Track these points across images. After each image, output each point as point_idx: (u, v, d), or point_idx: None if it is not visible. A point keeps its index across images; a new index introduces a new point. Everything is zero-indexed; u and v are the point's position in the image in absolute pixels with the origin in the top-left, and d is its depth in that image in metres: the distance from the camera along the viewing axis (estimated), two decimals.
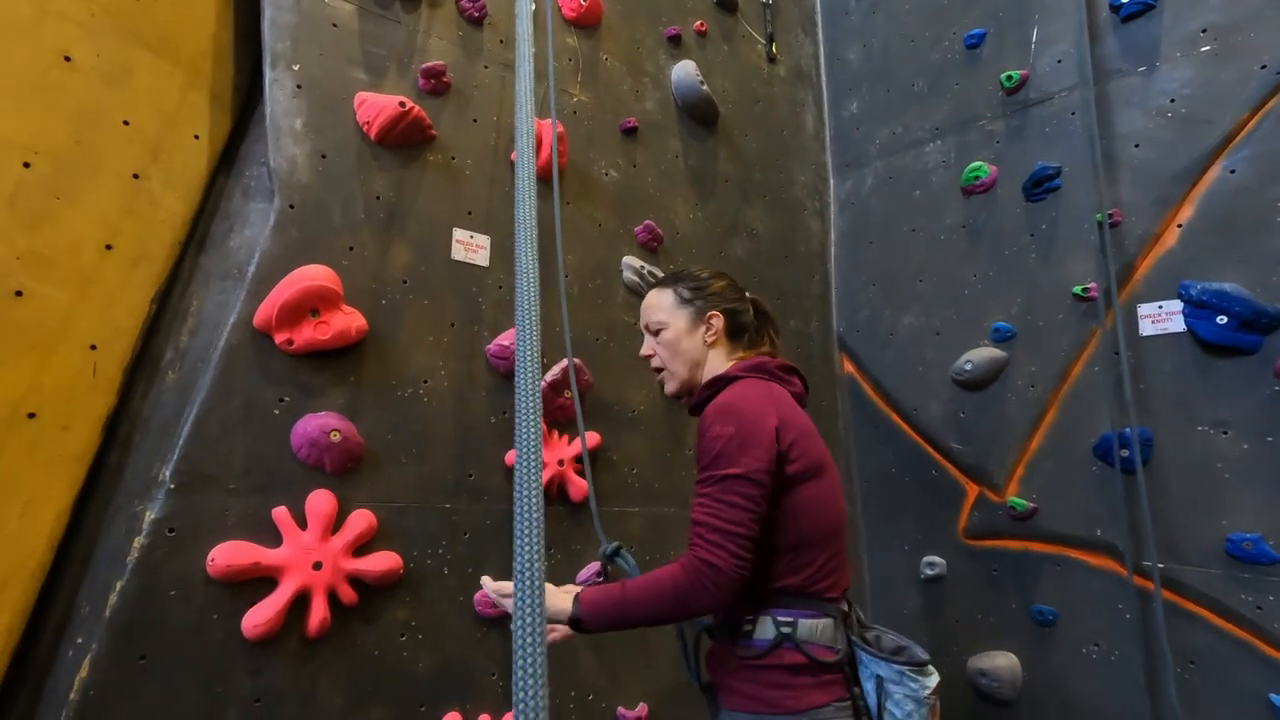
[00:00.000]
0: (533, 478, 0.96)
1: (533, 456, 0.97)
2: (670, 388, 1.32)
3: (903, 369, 2.26)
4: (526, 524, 0.92)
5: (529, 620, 0.86)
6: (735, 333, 1.32)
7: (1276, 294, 1.60)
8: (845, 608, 1.18)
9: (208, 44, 1.50)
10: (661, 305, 1.32)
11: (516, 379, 1.05)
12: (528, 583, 0.87)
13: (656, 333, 1.32)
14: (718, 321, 1.30)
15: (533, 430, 1.00)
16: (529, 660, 0.83)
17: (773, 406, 1.15)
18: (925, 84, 2.36)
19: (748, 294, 1.36)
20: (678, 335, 1.29)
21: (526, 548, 0.90)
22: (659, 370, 1.33)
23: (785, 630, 1.11)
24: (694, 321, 1.30)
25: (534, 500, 0.94)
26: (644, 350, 1.35)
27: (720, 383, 1.23)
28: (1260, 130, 1.67)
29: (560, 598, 1.09)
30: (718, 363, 1.29)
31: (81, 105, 1.28)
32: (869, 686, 1.11)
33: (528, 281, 1.14)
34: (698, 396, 1.26)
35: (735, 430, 1.10)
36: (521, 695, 0.81)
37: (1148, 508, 1.68)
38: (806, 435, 1.17)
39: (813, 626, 1.12)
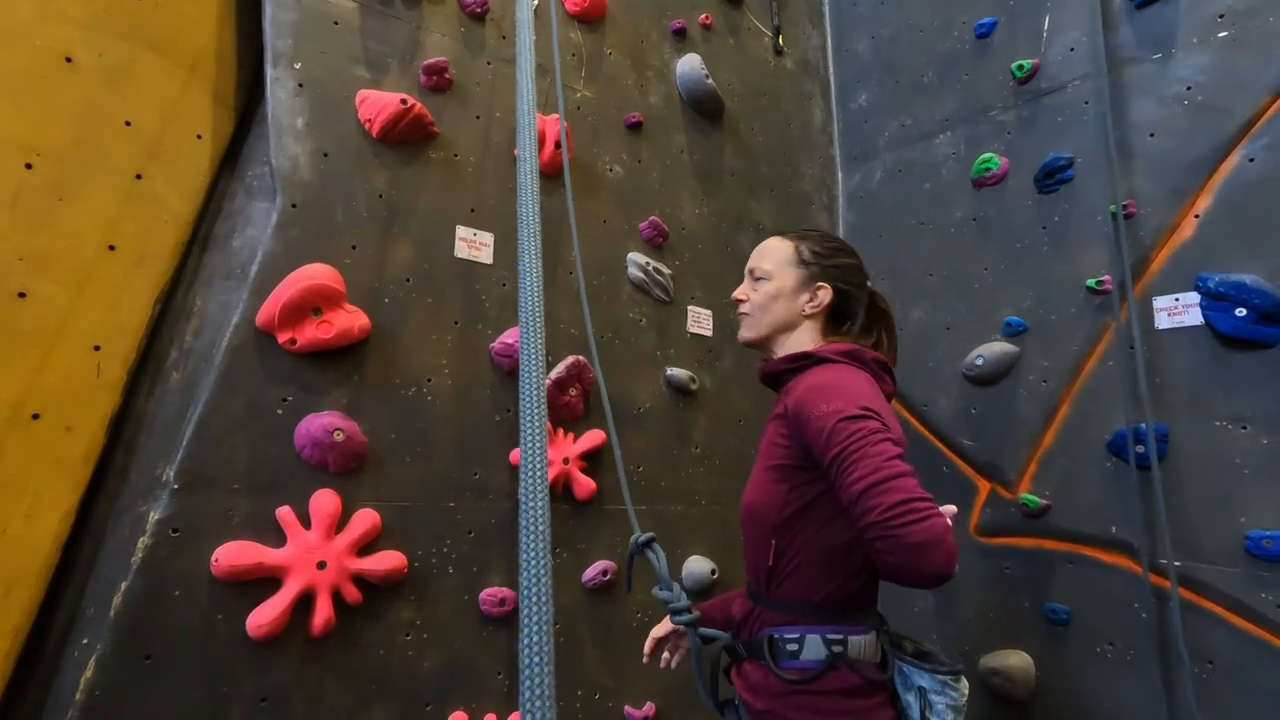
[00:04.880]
0: (538, 476, 0.95)
1: (538, 454, 0.96)
2: (745, 334, 1.25)
3: (912, 364, 2.22)
4: (532, 522, 0.91)
5: (536, 618, 0.85)
6: (839, 316, 1.24)
7: None
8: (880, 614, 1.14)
9: (209, 43, 1.49)
10: (775, 256, 1.24)
11: (520, 376, 1.04)
12: (534, 582, 0.86)
13: (758, 279, 1.24)
14: (824, 295, 1.21)
15: (537, 428, 0.99)
16: (536, 659, 0.82)
17: (877, 395, 1.07)
18: (935, 75, 2.32)
19: (870, 284, 1.26)
20: (778, 292, 1.21)
21: (532, 546, 0.89)
22: (744, 313, 1.26)
23: (836, 650, 1.05)
24: (801, 285, 1.21)
25: (539, 498, 0.93)
26: (737, 293, 1.27)
27: (807, 360, 1.14)
28: None
29: None
30: (806, 338, 1.21)
31: (83, 106, 1.27)
32: (909, 699, 1.07)
33: (531, 279, 1.13)
34: (775, 365, 1.19)
35: (844, 403, 1.00)
36: (528, 695, 0.80)
37: (1164, 505, 1.65)
38: (899, 441, 1.05)
39: (860, 644, 1.07)
